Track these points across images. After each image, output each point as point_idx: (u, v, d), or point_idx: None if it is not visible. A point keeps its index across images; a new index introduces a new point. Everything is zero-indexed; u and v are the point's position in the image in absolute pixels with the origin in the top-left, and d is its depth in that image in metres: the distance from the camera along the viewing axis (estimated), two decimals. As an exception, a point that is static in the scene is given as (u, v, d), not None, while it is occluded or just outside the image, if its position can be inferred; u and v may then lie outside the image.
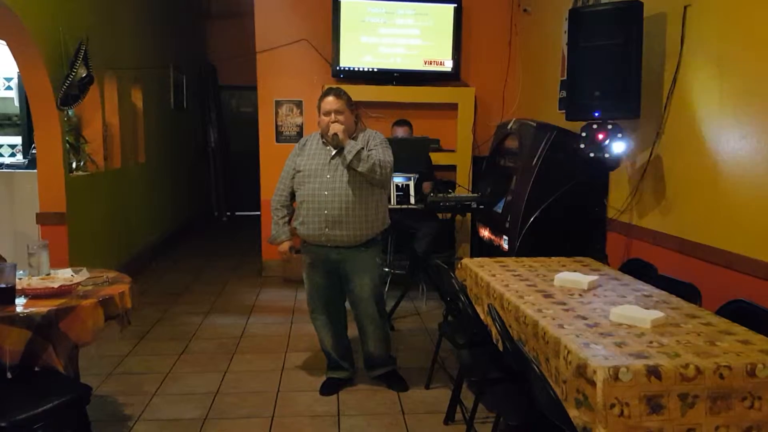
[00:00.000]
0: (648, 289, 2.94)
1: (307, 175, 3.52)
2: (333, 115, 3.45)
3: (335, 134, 3.40)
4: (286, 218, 3.68)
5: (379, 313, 3.70)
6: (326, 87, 3.66)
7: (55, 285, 2.79)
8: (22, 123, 7.05)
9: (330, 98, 3.49)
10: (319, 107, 3.55)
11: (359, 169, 3.39)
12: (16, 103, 7.22)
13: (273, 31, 6.19)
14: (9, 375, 2.57)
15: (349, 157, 3.37)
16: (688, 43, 3.50)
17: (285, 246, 3.69)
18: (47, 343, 2.57)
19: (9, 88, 7.44)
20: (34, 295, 2.75)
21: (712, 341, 2.20)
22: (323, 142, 3.58)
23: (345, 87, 3.73)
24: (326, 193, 3.46)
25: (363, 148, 3.41)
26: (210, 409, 3.49)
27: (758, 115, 3.00)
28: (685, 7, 3.49)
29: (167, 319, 5.08)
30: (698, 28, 3.44)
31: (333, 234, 3.48)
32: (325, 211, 3.46)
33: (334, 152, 3.52)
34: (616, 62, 3.65)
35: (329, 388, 3.71)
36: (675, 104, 3.63)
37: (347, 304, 3.78)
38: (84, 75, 4.85)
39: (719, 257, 3.20)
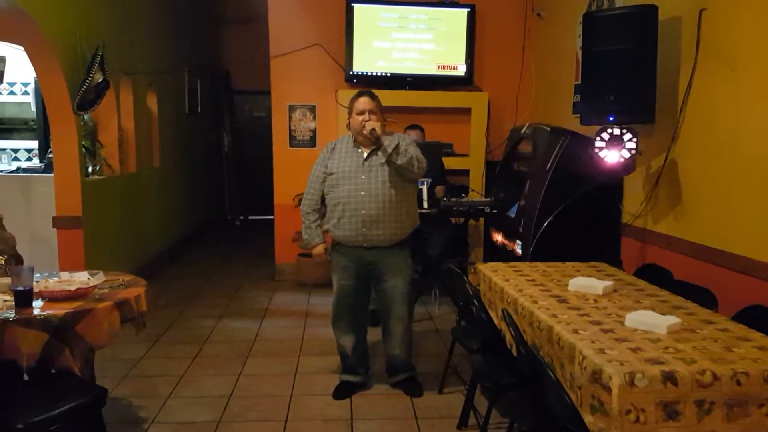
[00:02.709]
0: (663, 294, 2.92)
1: (340, 177, 3.55)
2: (367, 114, 3.49)
3: (373, 129, 3.43)
4: (318, 221, 3.70)
5: (408, 315, 3.72)
6: (358, 90, 3.69)
7: (72, 288, 2.82)
8: (39, 127, 7.13)
9: (365, 98, 3.55)
10: (350, 108, 3.59)
11: (399, 162, 3.42)
12: (33, 107, 7.32)
13: (286, 36, 6.23)
14: (26, 377, 2.60)
15: (389, 150, 3.41)
16: (704, 47, 3.48)
17: (320, 249, 3.71)
18: (64, 345, 2.60)
19: (26, 93, 7.53)
20: (50, 298, 2.77)
21: (728, 347, 2.18)
22: (354, 144, 3.61)
23: (356, 91, 3.75)
24: (363, 193, 3.49)
25: (399, 144, 3.46)
26: (223, 412, 3.50)
27: (775, 120, 2.97)
28: (701, 11, 3.47)
29: (181, 323, 5.11)
30: (714, 32, 3.42)
31: (370, 234, 3.52)
32: (363, 211, 3.49)
33: (366, 154, 3.55)
34: (630, 66, 3.63)
35: (343, 392, 3.71)
36: (690, 108, 3.60)
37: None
38: (100, 80, 4.90)
39: (735, 263, 3.17)
